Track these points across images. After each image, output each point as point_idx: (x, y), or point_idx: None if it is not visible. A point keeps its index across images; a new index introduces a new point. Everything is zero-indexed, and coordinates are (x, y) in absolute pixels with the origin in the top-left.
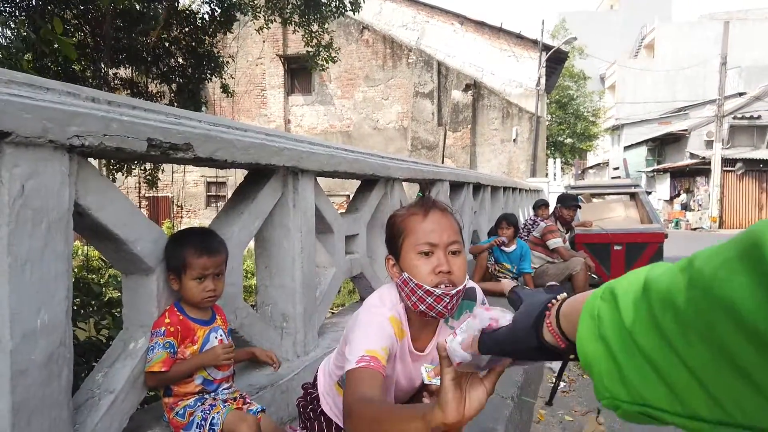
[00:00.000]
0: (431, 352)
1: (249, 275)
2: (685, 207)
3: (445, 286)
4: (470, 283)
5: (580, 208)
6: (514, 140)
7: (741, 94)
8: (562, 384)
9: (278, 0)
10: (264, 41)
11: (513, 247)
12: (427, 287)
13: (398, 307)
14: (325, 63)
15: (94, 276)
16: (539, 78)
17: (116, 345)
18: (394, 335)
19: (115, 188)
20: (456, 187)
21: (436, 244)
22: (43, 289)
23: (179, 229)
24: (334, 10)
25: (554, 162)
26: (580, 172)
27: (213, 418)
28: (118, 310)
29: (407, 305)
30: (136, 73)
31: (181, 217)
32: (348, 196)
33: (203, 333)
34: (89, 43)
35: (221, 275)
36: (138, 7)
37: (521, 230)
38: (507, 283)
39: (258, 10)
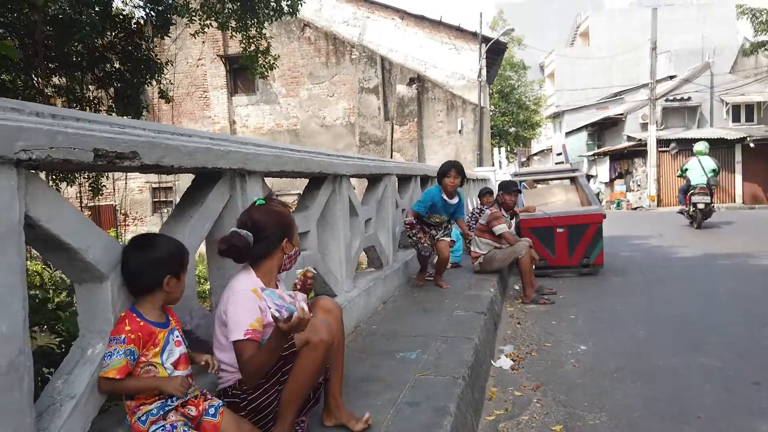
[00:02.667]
0: (278, 287)
1: (202, 280)
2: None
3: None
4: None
5: (521, 192)
6: (460, 131)
7: (671, 77)
8: (511, 362)
9: (213, 4)
10: (203, 42)
11: (456, 200)
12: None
13: (254, 281)
14: (264, 70)
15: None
16: (480, 69)
17: (74, 351)
18: (257, 299)
19: (64, 199)
20: (404, 180)
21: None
22: None
23: (126, 238)
24: (271, 13)
25: (499, 151)
26: (525, 159)
27: None
28: (67, 313)
29: (281, 267)
30: (70, 81)
31: (127, 225)
32: (299, 194)
33: (163, 336)
34: (20, 53)
35: None
36: (70, 13)
37: (469, 219)
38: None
39: (193, 13)
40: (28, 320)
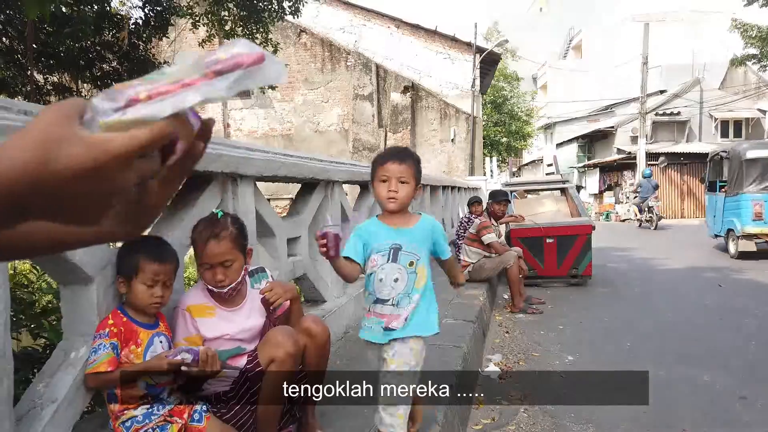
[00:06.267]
0: (244, 305)
1: (192, 283)
2: None
3: (219, 288)
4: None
5: (510, 202)
6: (453, 140)
7: (662, 92)
8: (499, 371)
9: (217, 7)
10: (199, 44)
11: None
12: (211, 287)
13: (201, 295)
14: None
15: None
16: (474, 79)
17: (57, 355)
18: (194, 318)
19: None
20: None
21: (212, 264)
22: None
23: None
24: (273, 14)
25: (491, 160)
26: (516, 169)
27: None
28: (53, 318)
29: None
30: (68, 78)
31: None
32: (291, 199)
33: (147, 336)
34: (17, 49)
35: (170, 284)
36: (65, 11)
37: (458, 228)
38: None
39: (197, 17)
40: (9, 322)
